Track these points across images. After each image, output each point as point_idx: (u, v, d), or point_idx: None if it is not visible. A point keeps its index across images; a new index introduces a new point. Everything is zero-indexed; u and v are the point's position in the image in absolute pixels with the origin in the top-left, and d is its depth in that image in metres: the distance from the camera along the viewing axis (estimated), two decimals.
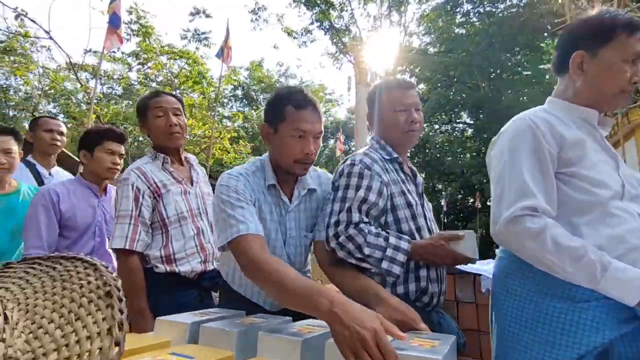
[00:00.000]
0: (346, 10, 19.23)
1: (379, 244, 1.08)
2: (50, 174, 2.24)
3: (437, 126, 22.67)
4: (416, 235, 1.19)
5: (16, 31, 7.23)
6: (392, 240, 1.10)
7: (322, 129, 1.17)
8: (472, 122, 21.16)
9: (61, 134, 2.28)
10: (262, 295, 1.22)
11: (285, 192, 1.23)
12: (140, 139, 16.32)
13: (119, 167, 1.86)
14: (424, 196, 1.36)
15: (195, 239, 1.54)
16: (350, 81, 8.56)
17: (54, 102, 15.02)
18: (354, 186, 1.15)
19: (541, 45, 15.88)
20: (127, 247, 1.39)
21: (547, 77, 16.20)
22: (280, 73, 23.96)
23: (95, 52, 10.40)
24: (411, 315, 0.92)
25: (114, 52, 9.75)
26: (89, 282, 0.36)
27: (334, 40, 19.41)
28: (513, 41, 15.34)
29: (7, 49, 7.95)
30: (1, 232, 1.82)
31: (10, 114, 18.93)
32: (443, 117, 20.01)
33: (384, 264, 1.07)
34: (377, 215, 1.16)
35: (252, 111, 20.44)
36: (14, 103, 19.53)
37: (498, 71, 16.42)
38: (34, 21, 5.56)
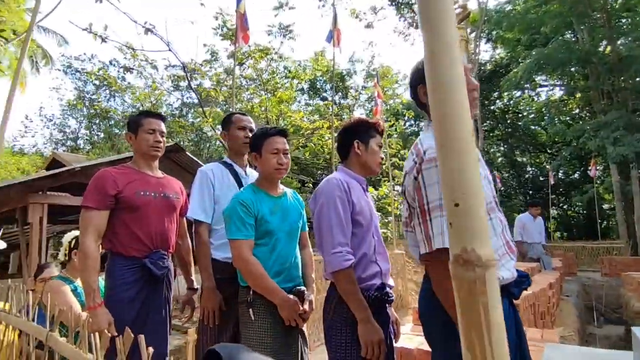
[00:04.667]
0: None
1: None
2: (246, 173, 2.13)
3: (517, 93, 20.48)
4: None
5: (131, 49, 7.77)
6: None
7: None
8: (560, 83, 18.65)
9: (253, 131, 2.15)
10: None
11: None
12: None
13: None
14: None
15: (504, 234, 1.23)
16: None
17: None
18: None
19: None
20: (447, 247, 1.10)
21: None
22: (347, 59, 23.45)
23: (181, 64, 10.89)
24: None
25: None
26: None
27: (404, 12, 18.26)
28: None
29: (127, 67, 8.71)
30: (281, 234, 1.71)
31: (115, 131, 21.16)
32: (534, 81, 17.81)
33: None
34: None
35: (320, 102, 20.32)
36: (113, 122, 21.74)
37: (602, 18, 14.10)
38: (159, 36, 5.89)
